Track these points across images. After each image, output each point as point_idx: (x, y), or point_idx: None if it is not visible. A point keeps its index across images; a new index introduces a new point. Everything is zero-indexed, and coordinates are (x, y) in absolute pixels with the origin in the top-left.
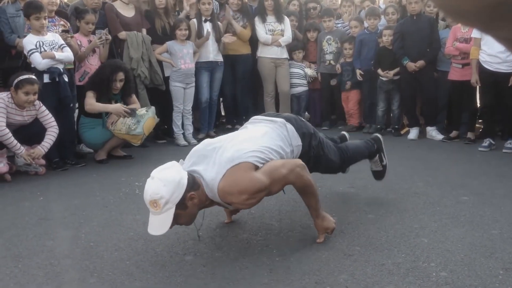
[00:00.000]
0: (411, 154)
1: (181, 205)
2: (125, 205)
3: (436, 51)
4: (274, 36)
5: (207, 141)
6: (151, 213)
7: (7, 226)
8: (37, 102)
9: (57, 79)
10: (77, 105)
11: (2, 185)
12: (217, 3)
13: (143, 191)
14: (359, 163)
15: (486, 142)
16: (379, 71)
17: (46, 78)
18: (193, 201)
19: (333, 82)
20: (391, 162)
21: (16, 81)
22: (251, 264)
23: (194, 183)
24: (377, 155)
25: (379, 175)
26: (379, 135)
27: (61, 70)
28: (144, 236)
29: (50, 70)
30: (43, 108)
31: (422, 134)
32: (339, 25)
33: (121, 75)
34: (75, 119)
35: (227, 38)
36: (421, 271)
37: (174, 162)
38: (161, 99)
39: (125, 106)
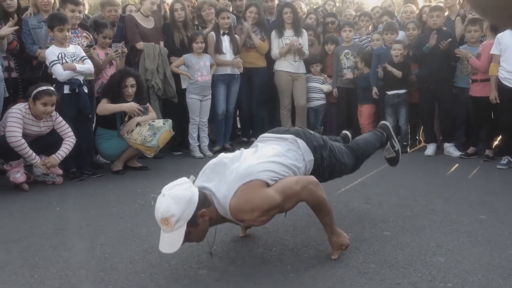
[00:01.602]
0: (428, 170)
1: (192, 222)
2: (141, 217)
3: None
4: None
5: (220, 156)
6: (162, 230)
7: (24, 235)
8: (54, 113)
9: (77, 90)
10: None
11: (20, 194)
12: (235, 16)
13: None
14: (374, 176)
15: (504, 160)
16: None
17: (66, 89)
18: (204, 218)
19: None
20: (408, 179)
21: (34, 92)
22: (265, 280)
23: (205, 200)
24: (388, 143)
25: (393, 161)
26: (386, 122)
27: (81, 81)
28: (158, 249)
29: (71, 82)
30: (60, 118)
31: (440, 150)
32: (356, 39)
33: (131, 80)
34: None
35: (237, 63)
36: None
37: (185, 179)
38: (176, 111)
39: (138, 104)
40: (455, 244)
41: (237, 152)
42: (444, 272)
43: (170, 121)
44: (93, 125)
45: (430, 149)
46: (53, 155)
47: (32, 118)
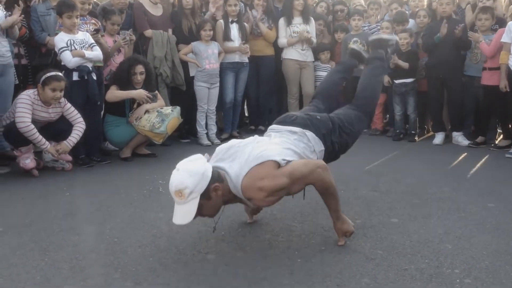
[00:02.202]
0: (436, 159)
1: (205, 195)
2: (149, 202)
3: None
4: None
5: (233, 141)
6: (176, 203)
7: (34, 220)
8: (62, 99)
9: (85, 77)
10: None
11: (30, 180)
12: (243, 4)
13: (166, 189)
14: (382, 164)
15: None
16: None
17: (75, 76)
18: (217, 192)
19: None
20: (416, 167)
21: (43, 77)
22: (272, 265)
23: (218, 176)
24: (388, 51)
25: (394, 50)
26: (375, 37)
27: (90, 68)
28: (167, 233)
29: (79, 68)
30: (69, 105)
31: (448, 139)
32: (365, 28)
33: (140, 68)
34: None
35: (244, 48)
36: (444, 278)
37: (199, 155)
38: (184, 99)
39: (146, 91)
40: (463, 232)
41: (250, 138)
42: (452, 258)
43: (178, 108)
44: (102, 112)
45: (439, 138)
46: (65, 141)
47: (41, 104)
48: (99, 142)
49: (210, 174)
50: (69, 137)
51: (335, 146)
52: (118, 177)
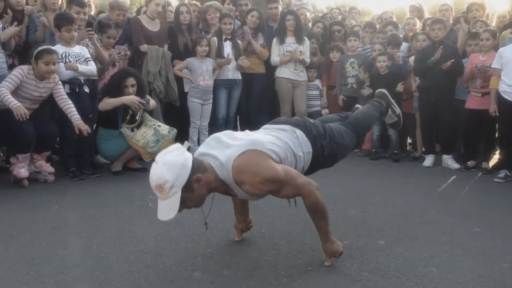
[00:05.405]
0: (425, 181)
1: (187, 188)
2: (138, 217)
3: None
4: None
5: (226, 131)
6: (158, 198)
7: (21, 232)
8: (56, 76)
9: (77, 90)
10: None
11: (20, 191)
12: (239, 22)
13: (156, 205)
14: (371, 186)
15: (502, 173)
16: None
17: (66, 88)
18: (199, 183)
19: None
20: (405, 189)
21: (35, 52)
22: (258, 284)
23: (200, 165)
24: (389, 110)
25: (396, 125)
26: (383, 90)
27: (82, 81)
28: (154, 249)
29: (71, 81)
30: (60, 82)
31: (438, 161)
32: (359, 48)
33: (131, 80)
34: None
35: (243, 62)
36: None
37: (178, 145)
38: (177, 114)
39: (138, 97)
40: (448, 255)
41: (243, 131)
42: (436, 282)
43: (175, 131)
44: (95, 125)
45: (429, 160)
46: (75, 122)
47: (33, 78)
48: (90, 155)
49: (190, 164)
50: (72, 116)
51: (324, 150)
52: (108, 191)
